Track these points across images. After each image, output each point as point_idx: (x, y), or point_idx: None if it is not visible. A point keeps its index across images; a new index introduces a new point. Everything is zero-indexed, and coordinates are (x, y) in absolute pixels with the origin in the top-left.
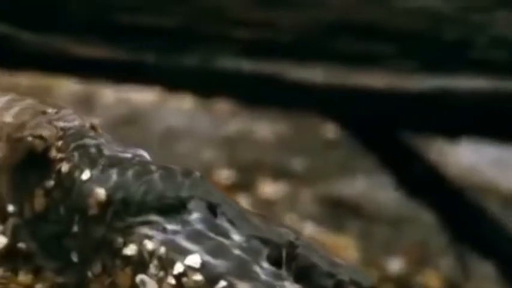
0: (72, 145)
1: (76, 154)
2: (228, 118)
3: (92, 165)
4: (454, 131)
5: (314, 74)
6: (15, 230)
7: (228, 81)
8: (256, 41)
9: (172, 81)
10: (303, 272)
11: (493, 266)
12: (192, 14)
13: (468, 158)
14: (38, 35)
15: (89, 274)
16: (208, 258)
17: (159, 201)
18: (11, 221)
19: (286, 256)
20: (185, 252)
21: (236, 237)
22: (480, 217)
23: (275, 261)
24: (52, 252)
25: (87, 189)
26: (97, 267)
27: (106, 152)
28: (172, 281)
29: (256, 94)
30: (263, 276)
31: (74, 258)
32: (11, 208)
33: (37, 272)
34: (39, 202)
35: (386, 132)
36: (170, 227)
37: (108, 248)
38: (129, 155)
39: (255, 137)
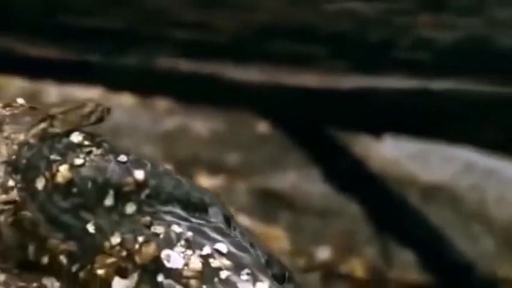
0: (98, 139)
1: (105, 145)
2: (166, 115)
3: (126, 152)
4: (378, 127)
5: (249, 74)
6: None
7: (167, 80)
8: (193, 42)
9: (114, 80)
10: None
11: (413, 254)
12: (133, 16)
13: (390, 153)
14: None
15: (106, 244)
16: (233, 249)
17: (186, 198)
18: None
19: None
20: (212, 240)
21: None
22: (401, 208)
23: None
24: (62, 223)
25: (125, 168)
26: (116, 239)
27: None
28: (199, 259)
29: (193, 92)
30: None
31: (91, 229)
32: (11, 182)
33: (42, 242)
34: (63, 176)
35: (316, 129)
36: (195, 220)
37: (134, 224)
38: None
39: (192, 133)
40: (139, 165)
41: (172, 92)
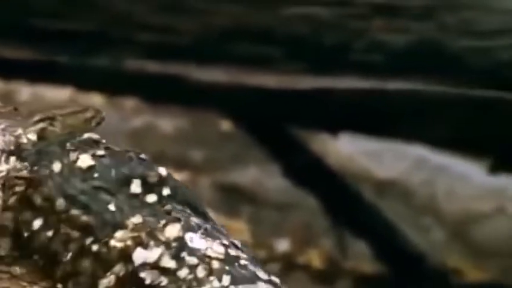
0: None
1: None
2: (134, 114)
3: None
4: (335, 125)
5: (212, 75)
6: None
7: (134, 81)
8: (159, 44)
9: (84, 80)
10: None
11: (368, 245)
12: (102, 19)
13: (346, 150)
14: None
15: (127, 222)
16: (240, 245)
17: (192, 202)
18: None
19: None
20: (224, 235)
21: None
22: (357, 202)
23: None
24: (80, 201)
25: (148, 163)
26: (138, 219)
27: None
28: (220, 246)
29: (159, 92)
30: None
31: (112, 207)
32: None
33: (57, 215)
34: (84, 162)
35: (276, 127)
36: (198, 220)
37: (155, 210)
38: None
39: (158, 131)
40: (159, 165)
41: (139, 92)
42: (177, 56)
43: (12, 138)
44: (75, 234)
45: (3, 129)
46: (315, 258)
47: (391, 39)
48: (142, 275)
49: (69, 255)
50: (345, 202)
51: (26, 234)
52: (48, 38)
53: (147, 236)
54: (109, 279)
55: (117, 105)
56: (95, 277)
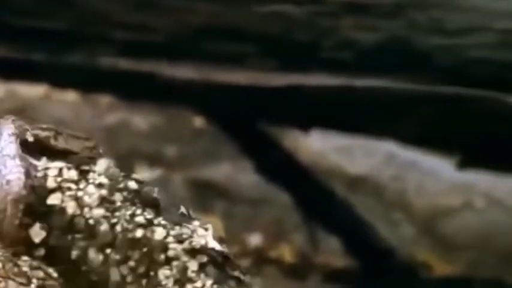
0: None
1: None
2: (108, 111)
3: None
4: (306, 122)
5: (185, 72)
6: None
7: (108, 78)
8: (133, 42)
9: (58, 77)
10: None
11: (338, 240)
12: (77, 17)
13: (318, 146)
14: None
15: None
16: None
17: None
18: None
19: None
20: None
21: None
22: (328, 197)
23: None
24: None
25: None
26: None
27: None
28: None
29: (133, 89)
30: None
31: None
32: None
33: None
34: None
35: (248, 124)
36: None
37: None
38: None
39: (132, 128)
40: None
41: (113, 89)
42: (151, 53)
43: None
44: None
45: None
46: (286, 253)
47: (360, 37)
48: None
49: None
50: (316, 198)
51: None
52: (24, 36)
53: None
54: None
55: (92, 102)
56: None
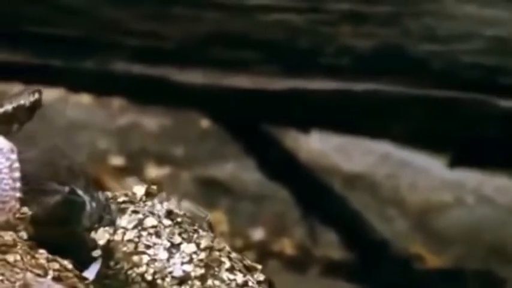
0: None
1: None
2: (120, 113)
3: None
4: (306, 123)
5: (193, 77)
6: None
7: (120, 82)
8: (144, 49)
9: (74, 82)
10: None
11: (336, 234)
12: (91, 25)
13: (317, 146)
14: None
15: None
16: None
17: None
18: None
19: None
20: None
21: None
22: (326, 194)
23: None
24: None
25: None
26: None
27: None
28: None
29: (144, 93)
30: None
31: None
32: None
33: None
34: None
35: (252, 125)
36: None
37: None
38: None
39: (143, 129)
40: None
41: (125, 93)
42: (161, 59)
43: None
44: None
45: None
46: (287, 246)
47: (358, 43)
48: None
49: None
50: (315, 194)
51: None
52: (42, 43)
53: None
54: None
55: (105, 104)
56: None
